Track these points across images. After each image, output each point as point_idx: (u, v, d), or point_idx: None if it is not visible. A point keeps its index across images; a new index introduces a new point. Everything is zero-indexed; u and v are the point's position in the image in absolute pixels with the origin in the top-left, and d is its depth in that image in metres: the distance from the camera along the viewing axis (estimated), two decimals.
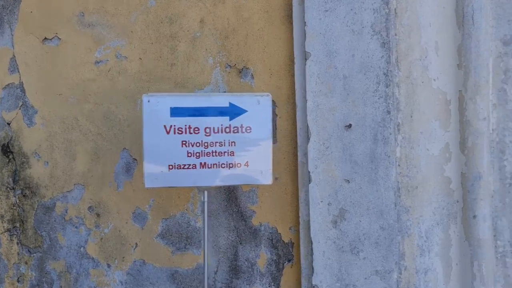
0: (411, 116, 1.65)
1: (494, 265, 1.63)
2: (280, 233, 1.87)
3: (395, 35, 1.62)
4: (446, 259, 1.67)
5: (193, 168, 1.56)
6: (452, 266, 1.67)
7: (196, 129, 1.56)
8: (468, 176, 1.63)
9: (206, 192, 1.63)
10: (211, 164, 1.57)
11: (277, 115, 1.85)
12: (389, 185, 1.60)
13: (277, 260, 1.88)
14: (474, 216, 1.62)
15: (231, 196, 1.91)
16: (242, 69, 1.88)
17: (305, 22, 1.66)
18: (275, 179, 1.85)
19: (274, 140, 1.86)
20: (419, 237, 1.66)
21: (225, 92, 1.88)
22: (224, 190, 1.91)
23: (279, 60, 1.84)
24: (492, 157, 1.63)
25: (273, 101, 1.85)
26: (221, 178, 1.58)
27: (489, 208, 1.62)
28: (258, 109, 1.59)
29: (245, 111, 1.58)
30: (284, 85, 1.84)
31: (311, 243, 1.68)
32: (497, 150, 1.63)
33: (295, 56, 1.75)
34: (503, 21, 1.60)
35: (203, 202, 1.64)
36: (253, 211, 1.89)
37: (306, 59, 1.67)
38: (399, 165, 1.65)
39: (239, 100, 1.58)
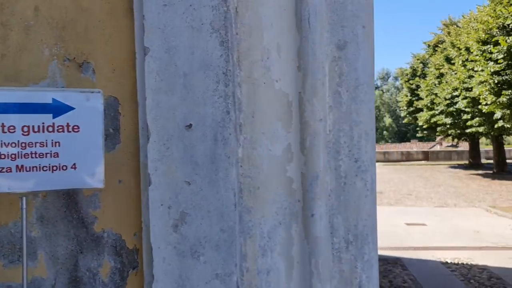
0: (253, 117, 1.64)
1: (331, 262, 1.69)
2: (124, 240, 1.76)
3: (236, 34, 1.61)
4: (288, 258, 1.70)
5: (7, 172, 1.39)
6: (294, 265, 1.70)
7: (12, 127, 1.39)
8: (307, 176, 1.67)
9: (25, 199, 1.46)
10: (30, 167, 1.41)
11: (120, 113, 1.74)
12: (229, 186, 1.58)
13: (121, 269, 1.76)
14: (312, 215, 1.66)
15: (70, 201, 1.75)
16: (83, 63, 1.73)
17: (143, 16, 1.57)
18: (119, 182, 1.74)
19: (118, 141, 1.74)
20: (261, 237, 1.66)
21: (63, 87, 1.72)
22: (63, 194, 1.75)
23: (122, 54, 1.73)
24: (329, 157, 1.69)
25: (116, 98, 1.73)
26: (43, 182, 1.43)
27: (325, 207, 1.67)
28: (87, 106, 1.47)
29: (72, 108, 1.44)
30: (128, 81, 1.73)
31: (152, 249, 1.60)
32: (333, 151, 1.70)
33: (136, 51, 1.66)
34: (337, 26, 1.67)
35: (22, 210, 1.46)
36: (95, 217, 1.75)
37: (145, 55, 1.58)
38: (241, 166, 1.63)
39: (64, 96, 1.44)
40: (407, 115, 30.34)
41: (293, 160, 1.70)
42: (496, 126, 17.02)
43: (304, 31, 1.64)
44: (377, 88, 75.92)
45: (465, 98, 19.02)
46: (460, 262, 7.21)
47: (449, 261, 7.27)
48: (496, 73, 15.17)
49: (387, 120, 65.51)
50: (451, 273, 6.71)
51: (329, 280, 1.67)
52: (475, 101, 17.98)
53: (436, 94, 23.45)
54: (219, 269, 1.57)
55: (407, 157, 32.24)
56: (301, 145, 1.69)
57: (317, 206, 1.66)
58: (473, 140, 25.58)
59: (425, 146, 38.59)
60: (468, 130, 20.85)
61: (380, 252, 7.27)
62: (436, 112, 23.56)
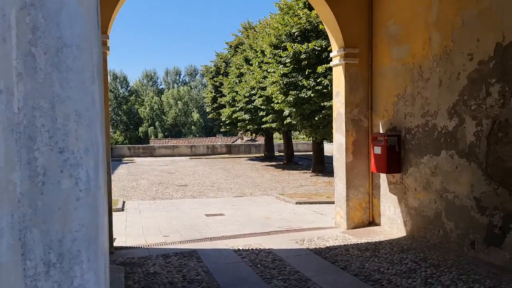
0: None
1: None
2: None
3: None
4: None
5: None
6: None
7: None
8: None
9: None
10: None
11: None
12: None
13: None
14: None
15: None
16: None
17: None
18: None
19: None
20: None
21: None
22: None
23: None
24: (18, 147, 1.18)
25: None
26: None
27: (11, 218, 1.16)
28: None
29: None
30: None
31: None
32: (24, 137, 1.19)
33: None
34: None
35: None
36: None
37: None
38: None
39: None
40: (212, 111, 31.62)
41: None
42: (285, 122, 19.07)
43: None
44: (185, 84, 77.26)
45: (261, 96, 20.77)
46: (250, 248, 7.56)
47: (241, 248, 7.54)
48: (285, 75, 16.94)
49: (195, 115, 67.29)
50: (242, 260, 6.94)
51: None
52: (269, 100, 19.79)
53: (237, 92, 25.00)
54: None
55: (213, 151, 33.64)
56: None
57: None
58: (268, 134, 28.35)
59: (229, 140, 41.09)
60: (263, 126, 22.89)
61: (179, 246, 6.99)
62: (237, 108, 25.14)
